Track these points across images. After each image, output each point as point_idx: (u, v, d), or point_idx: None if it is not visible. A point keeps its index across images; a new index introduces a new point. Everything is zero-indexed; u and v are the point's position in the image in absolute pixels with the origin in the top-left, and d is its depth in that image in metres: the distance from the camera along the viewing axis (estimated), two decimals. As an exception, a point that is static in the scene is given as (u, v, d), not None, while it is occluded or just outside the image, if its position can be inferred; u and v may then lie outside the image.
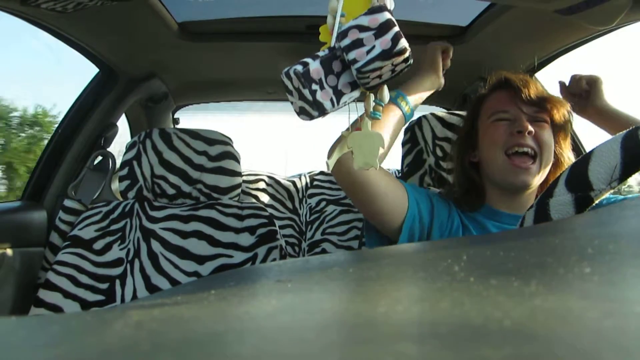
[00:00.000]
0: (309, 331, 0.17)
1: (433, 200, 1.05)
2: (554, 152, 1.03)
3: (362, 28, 0.82)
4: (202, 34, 1.46)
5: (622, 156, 0.41)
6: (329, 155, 0.99)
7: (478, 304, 0.18)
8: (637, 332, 0.14)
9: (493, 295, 0.19)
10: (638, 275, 0.20)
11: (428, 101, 2.00)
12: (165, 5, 1.29)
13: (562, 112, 1.03)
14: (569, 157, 1.07)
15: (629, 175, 0.41)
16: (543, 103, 1.02)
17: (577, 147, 1.46)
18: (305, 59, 0.84)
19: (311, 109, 0.84)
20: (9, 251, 1.28)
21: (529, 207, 0.47)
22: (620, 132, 0.44)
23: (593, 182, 0.42)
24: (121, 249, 1.23)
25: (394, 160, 1.50)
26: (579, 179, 0.43)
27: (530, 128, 0.99)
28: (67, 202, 1.44)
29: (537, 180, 1.00)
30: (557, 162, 1.05)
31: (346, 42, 0.82)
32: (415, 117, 1.34)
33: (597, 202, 0.43)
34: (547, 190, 0.46)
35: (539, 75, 1.53)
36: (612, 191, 0.43)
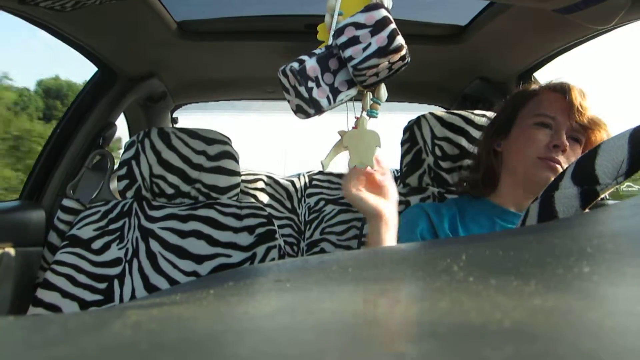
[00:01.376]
0: (308, 331, 0.17)
1: (429, 213, 1.06)
2: None
3: (358, 25, 0.82)
4: (201, 33, 1.46)
5: (630, 151, 0.41)
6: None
7: (477, 304, 0.18)
8: (637, 332, 0.14)
9: (492, 294, 0.19)
10: (638, 274, 0.20)
11: (427, 100, 2.02)
12: (164, 4, 1.29)
13: (601, 136, 1.01)
14: None
15: (636, 170, 0.42)
16: (591, 122, 1.00)
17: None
18: (302, 57, 0.84)
19: (307, 107, 0.83)
20: (7, 251, 1.28)
21: (534, 200, 0.47)
22: (629, 128, 0.44)
23: (599, 176, 0.42)
24: (120, 249, 1.23)
25: (393, 159, 1.50)
26: (585, 173, 0.43)
27: (567, 146, 0.98)
28: (66, 202, 1.44)
29: None
30: None
31: (342, 39, 0.82)
32: (415, 116, 1.34)
33: (602, 196, 0.43)
34: (552, 182, 0.46)
35: (537, 74, 1.53)
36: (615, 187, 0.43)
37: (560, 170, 0.98)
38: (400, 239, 0.98)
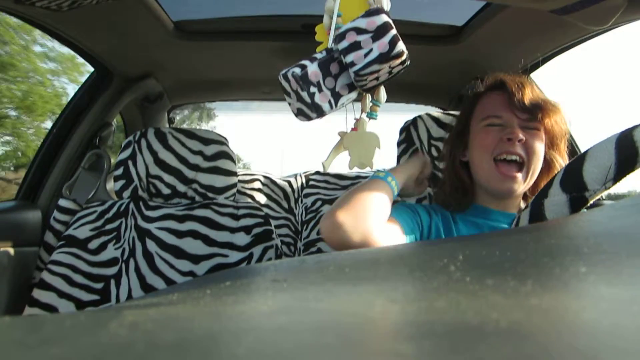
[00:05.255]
0: (305, 331, 0.17)
1: (425, 206, 1.06)
2: (545, 157, 1.03)
3: (359, 30, 0.82)
4: (197, 33, 1.46)
5: (617, 156, 0.41)
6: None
7: (474, 304, 0.18)
8: (633, 331, 0.14)
9: (489, 294, 0.19)
10: (634, 274, 0.20)
11: (423, 101, 2.02)
12: (161, 4, 1.29)
13: (555, 118, 1.01)
14: (560, 161, 1.06)
15: (624, 175, 0.42)
16: (536, 110, 1.00)
17: (573, 150, 1.47)
18: (303, 61, 0.84)
19: (309, 111, 0.84)
20: (4, 250, 1.28)
21: (524, 207, 0.47)
22: (615, 132, 0.44)
23: (588, 183, 0.42)
24: (116, 249, 1.22)
25: (389, 160, 1.51)
26: (573, 180, 0.43)
27: (521, 136, 0.98)
28: (62, 202, 1.43)
29: (522, 187, 1.00)
30: (548, 167, 1.05)
31: (344, 44, 0.82)
32: (411, 117, 1.34)
33: (591, 202, 0.43)
34: (542, 190, 0.46)
35: (534, 75, 1.53)
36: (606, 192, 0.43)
37: (518, 178, 0.99)
38: (401, 213, 0.99)
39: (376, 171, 1.00)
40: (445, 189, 1.11)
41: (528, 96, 1.01)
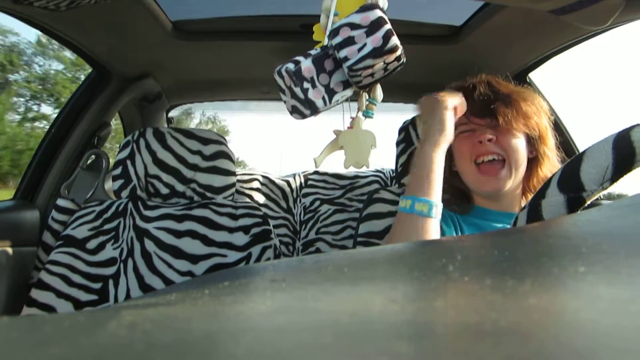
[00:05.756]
0: (304, 331, 0.17)
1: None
2: (528, 150, 1.04)
3: (353, 26, 0.82)
4: (196, 33, 1.46)
5: (614, 156, 0.41)
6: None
7: (473, 304, 0.18)
8: (632, 331, 0.14)
9: (488, 294, 0.19)
10: (632, 274, 0.20)
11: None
12: (159, 4, 1.29)
13: (526, 106, 1.02)
14: (548, 152, 1.06)
15: (621, 175, 0.42)
16: (488, 107, 1.02)
17: (570, 147, 1.47)
18: (297, 57, 0.84)
19: (303, 108, 0.84)
20: (1, 250, 1.27)
21: (522, 208, 0.47)
22: (613, 133, 0.44)
23: (585, 183, 0.42)
24: (114, 249, 1.22)
25: (388, 160, 1.51)
26: (571, 180, 0.43)
27: (489, 135, 0.99)
28: (60, 202, 1.43)
29: (510, 183, 1.01)
30: (536, 160, 1.06)
31: (338, 39, 0.82)
32: (410, 117, 1.34)
33: (589, 202, 0.43)
34: (539, 191, 0.46)
35: (533, 75, 1.53)
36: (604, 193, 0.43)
37: (501, 174, 1.00)
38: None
39: (404, 199, 0.93)
40: (446, 195, 1.12)
41: (479, 97, 1.02)
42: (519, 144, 1.02)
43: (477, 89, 1.04)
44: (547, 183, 0.45)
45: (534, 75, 1.53)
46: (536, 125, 1.04)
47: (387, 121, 1.97)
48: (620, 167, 0.41)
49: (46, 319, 0.22)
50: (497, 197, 1.04)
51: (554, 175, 0.46)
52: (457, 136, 1.05)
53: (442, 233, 1.03)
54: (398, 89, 1.82)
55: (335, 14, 0.88)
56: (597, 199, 0.43)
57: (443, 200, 1.13)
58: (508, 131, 1.02)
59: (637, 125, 0.42)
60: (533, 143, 1.06)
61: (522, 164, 1.02)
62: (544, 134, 1.06)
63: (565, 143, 1.40)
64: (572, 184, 0.43)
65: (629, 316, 0.15)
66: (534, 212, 0.45)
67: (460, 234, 1.05)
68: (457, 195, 1.10)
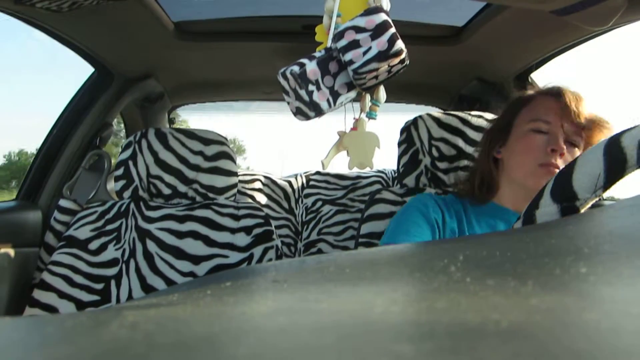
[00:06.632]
0: (305, 332, 0.17)
1: (438, 201, 1.07)
2: None
3: (358, 29, 0.82)
4: (198, 34, 1.46)
5: (605, 163, 0.41)
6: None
7: (475, 304, 0.18)
8: (634, 332, 0.14)
9: (490, 295, 0.19)
10: (634, 275, 0.20)
11: (424, 101, 2.02)
12: (161, 5, 1.29)
13: (602, 135, 1.01)
14: None
15: (613, 182, 0.41)
16: (589, 125, 1.00)
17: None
18: (302, 60, 0.84)
19: (308, 110, 0.84)
20: (4, 251, 1.28)
21: (517, 219, 0.47)
22: (604, 139, 0.44)
23: (578, 192, 0.42)
24: (116, 249, 1.22)
25: (390, 160, 1.51)
26: (563, 189, 0.43)
27: (565, 150, 0.98)
28: (62, 202, 1.43)
29: None
30: None
31: (343, 43, 0.83)
32: (412, 117, 1.34)
33: (582, 211, 0.43)
34: (532, 201, 0.46)
35: (534, 75, 1.53)
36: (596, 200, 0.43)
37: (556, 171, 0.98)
38: (411, 215, 0.99)
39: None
40: (474, 180, 1.11)
41: (584, 111, 1.00)
42: None
43: (579, 97, 1.02)
44: (540, 193, 0.45)
45: (536, 76, 1.53)
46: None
47: (389, 121, 1.97)
48: (612, 174, 0.41)
49: (48, 320, 0.22)
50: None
51: (546, 184, 0.45)
52: (528, 132, 1.03)
53: (444, 225, 1.03)
54: (400, 89, 1.82)
55: (338, 15, 0.88)
56: (597, 201, 0.43)
57: (459, 189, 1.13)
58: (576, 152, 1.01)
59: (627, 130, 0.42)
60: None
61: None
62: None
63: None
64: (565, 193, 0.43)
65: (631, 317, 0.15)
66: (529, 222, 0.45)
67: (466, 226, 1.04)
68: (485, 182, 1.09)
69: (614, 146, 0.41)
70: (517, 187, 1.05)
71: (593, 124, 1.00)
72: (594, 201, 0.42)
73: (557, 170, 0.97)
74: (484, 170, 1.10)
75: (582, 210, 0.42)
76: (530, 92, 1.12)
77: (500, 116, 1.16)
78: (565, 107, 1.00)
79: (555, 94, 1.04)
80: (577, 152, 1.01)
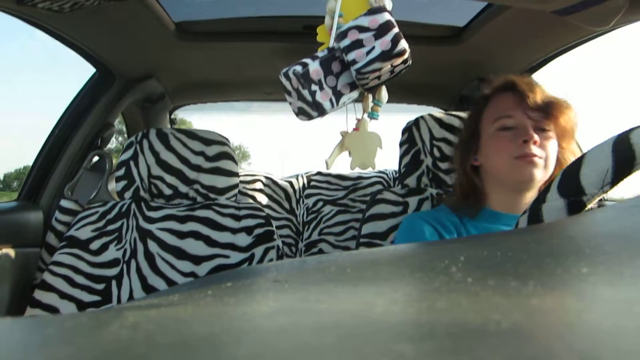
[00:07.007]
0: (306, 332, 0.17)
1: (432, 223, 1.05)
2: (557, 156, 1.03)
3: (361, 29, 0.82)
4: (199, 34, 1.46)
5: (614, 160, 0.41)
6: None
7: (475, 305, 0.18)
8: (636, 332, 0.14)
9: (491, 295, 0.19)
10: (636, 275, 0.20)
11: (425, 102, 2.02)
12: (162, 5, 1.29)
13: (568, 115, 1.00)
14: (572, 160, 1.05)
15: (621, 179, 0.41)
16: (549, 108, 0.99)
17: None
18: (305, 60, 0.84)
19: (310, 110, 0.84)
20: (5, 251, 1.28)
21: (523, 213, 0.47)
22: (612, 136, 0.44)
23: (585, 187, 0.42)
24: (118, 250, 1.22)
25: (391, 160, 1.51)
26: (571, 184, 0.43)
27: (536, 137, 0.97)
28: (64, 203, 1.43)
29: (541, 176, 0.99)
30: (560, 167, 1.04)
31: (346, 42, 0.82)
32: (413, 118, 1.34)
33: (589, 206, 0.43)
34: (539, 195, 0.46)
35: (535, 75, 1.53)
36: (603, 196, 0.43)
37: (539, 163, 0.98)
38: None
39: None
40: (457, 193, 1.10)
41: (540, 96, 1.00)
42: (555, 150, 1.01)
43: (531, 85, 1.02)
44: (548, 187, 0.45)
45: (537, 76, 1.53)
46: (573, 132, 1.04)
47: (391, 122, 1.97)
48: (621, 170, 0.41)
49: (49, 320, 0.22)
50: (525, 187, 1.01)
51: (554, 179, 0.45)
52: (495, 132, 1.03)
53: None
54: (401, 89, 1.82)
55: (340, 15, 0.88)
56: (600, 200, 0.43)
57: (449, 204, 1.12)
58: (550, 137, 1.00)
59: (637, 127, 0.42)
60: (562, 149, 1.05)
61: (553, 168, 1.01)
62: (573, 140, 1.06)
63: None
64: (572, 188, 0.43)
65: (632, 317, 0.15)
66: (535, 216, 0.45)
67: (465, 236, 1.04)
68: (470, 193, 1.08)
69: (623, 143, 0.41)
70: (503, 187, 1.04)
71: (553, 107, 1.00)
72: (600, 197, 0.42)
73: (535, 159, 0.97)
74: (465, 182, 1.09)
75: (589, 206, 0.42)
76: (486, 92, 1.12)
77: (465, 124, 1.16)
78: (522, 97, 1.00)
79: (508, 87, 1.05)
80: (551, 135, 1.01)
